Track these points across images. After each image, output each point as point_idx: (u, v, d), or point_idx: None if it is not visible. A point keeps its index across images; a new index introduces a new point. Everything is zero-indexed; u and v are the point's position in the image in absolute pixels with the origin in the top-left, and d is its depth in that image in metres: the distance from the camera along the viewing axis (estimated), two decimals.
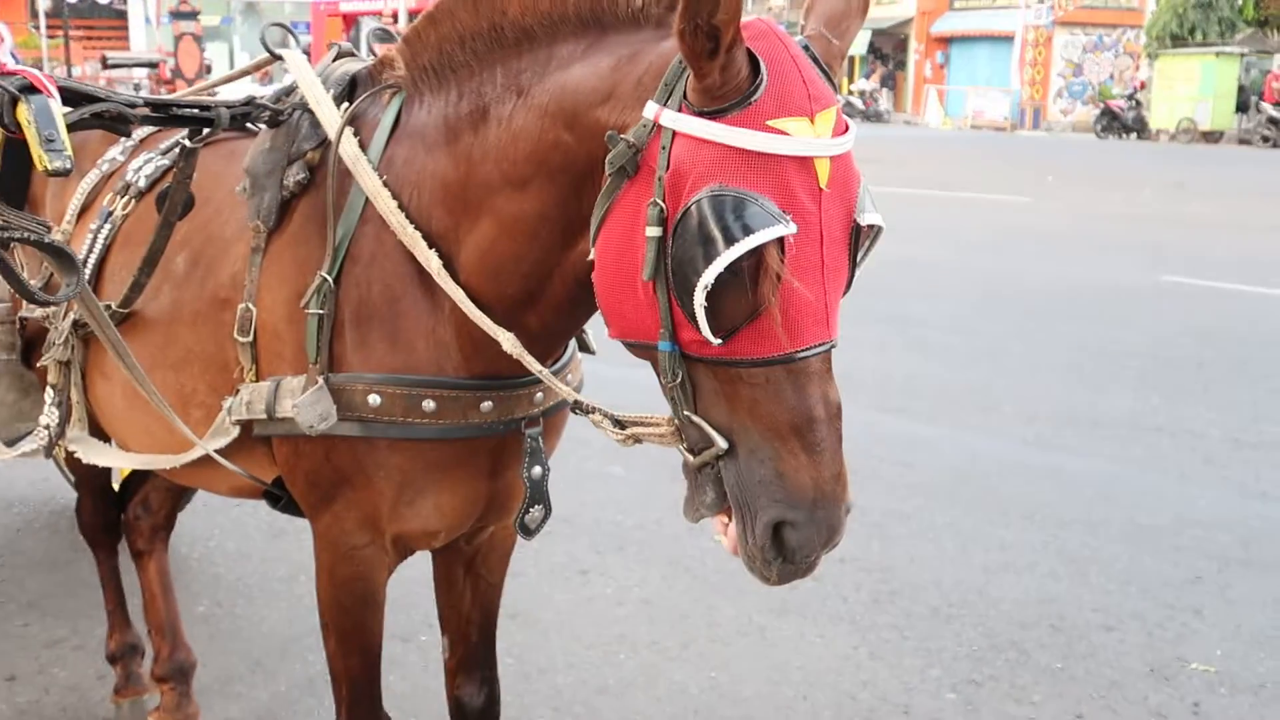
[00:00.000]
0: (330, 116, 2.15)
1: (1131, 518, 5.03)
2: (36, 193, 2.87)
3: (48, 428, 2.65)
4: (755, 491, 1.70)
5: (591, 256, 1.83)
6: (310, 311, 2.09)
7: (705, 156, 1.64)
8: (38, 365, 2.71)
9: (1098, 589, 4.35)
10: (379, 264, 2.09)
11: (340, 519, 2.20)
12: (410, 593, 3.61)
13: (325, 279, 2.08)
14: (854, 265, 1.76)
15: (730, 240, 1.60)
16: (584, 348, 2.41)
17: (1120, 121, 33.84)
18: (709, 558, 4.49)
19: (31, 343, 2.85)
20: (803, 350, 1.67)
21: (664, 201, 1.67)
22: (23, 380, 2.96)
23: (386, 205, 2.05)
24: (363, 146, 2.12)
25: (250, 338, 2.19)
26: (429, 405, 2.06)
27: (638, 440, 1.90)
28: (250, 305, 2.18)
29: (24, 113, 1.78)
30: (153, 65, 13.50)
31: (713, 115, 1.65)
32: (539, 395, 2.16)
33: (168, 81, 22.57)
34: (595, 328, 2.47)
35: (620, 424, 1.91)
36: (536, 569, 4.38)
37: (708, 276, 1.61)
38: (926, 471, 5.55)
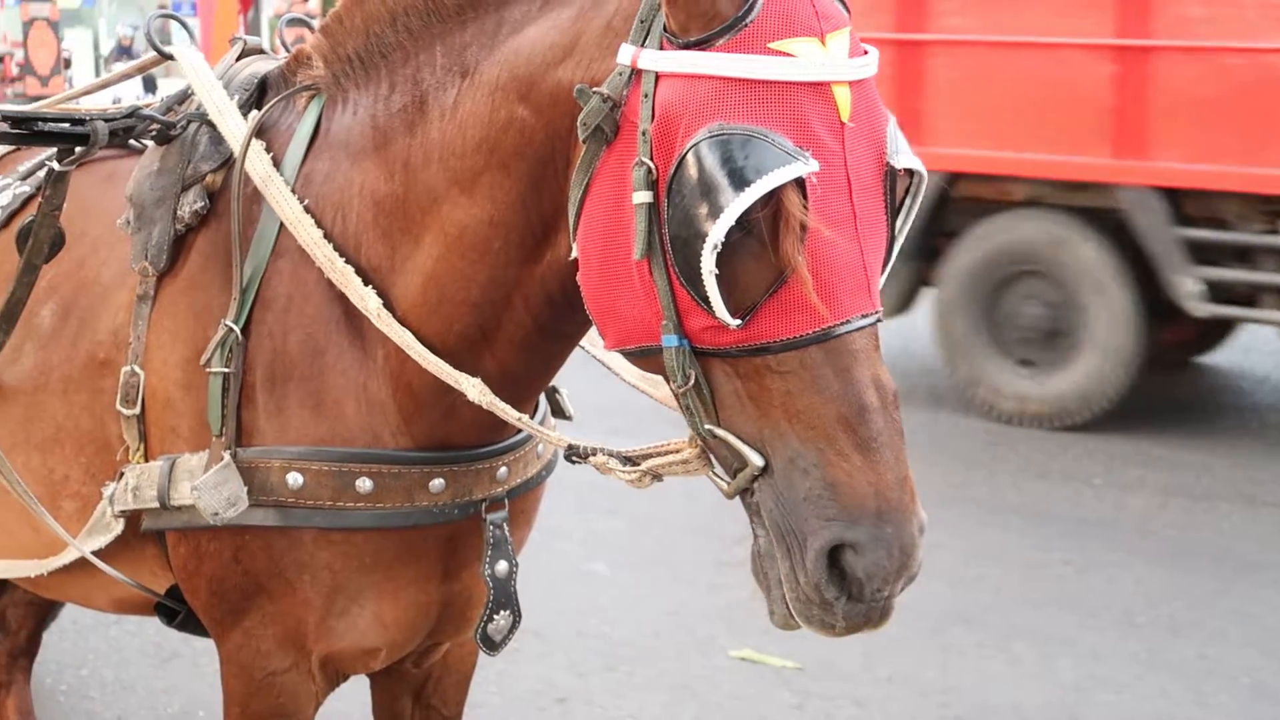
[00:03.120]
0: (235, 128, 2.21)
1: (1263, 618, 5.08)
2: None
3: None
4: (801, 512, 1.71)
5: (573, 255, 1.87)
6: (213, 371, 2.13)
7: (698, 95, 1.69)
8: None
9: (1219, 710, 4.38)
10: (297, 308, 2.15)
11: (254, 637, 2.23)
12: None
13: (231, 329, 2.12)
14: (893, 221, 1.80)
15: (739, 186, 1.63)
16: (558, 412, 2.46)
17: None
18: (721, 679, 4.52)
19: None
20: (842, 324, 1.70)
21: (651, 160, 1.72)
22: None
23: (309, 235, 2.10)
24: (275, 163, 2.18)
25: (137, 409, 2.23)
26: (365, 485, 2.11)
27: (657, 478, 1.93)
28: (136, 368, 2.23)
29: None
30: None
31: (702, 44, 1.71)
32: (502, 471, 2.21)
33: (14, 79, 22.71)
34: (573, 386, 2.53)
35: (631, 460, 1.94)
36: (502, 696, 4.40)
37: (716, 234, 1.64)
38: (992, 566, 5.58)
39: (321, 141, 2.19)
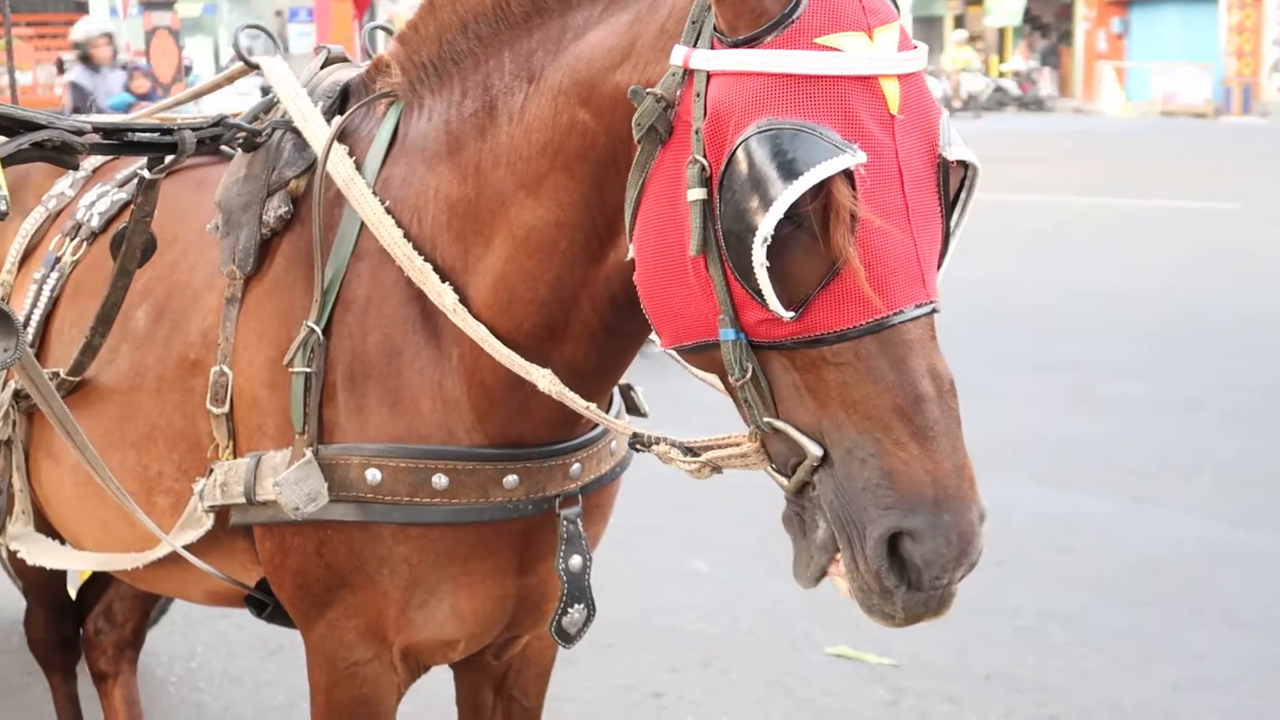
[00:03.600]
0: (318, 135, 2.28)
1: None
2: None
3: None
4: (860, 501, 1.73)
5: (630, 255, 1.92)
6: (295, 370, 2.20)
7: (747, 92, 1.73)
8: None
9: None
10: (376, 309, 2.21)
11: (337, 629, 2.30)
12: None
13: (313, 330, 2.19)
14: (948, 214, 1.82)
15: (788, 178, 1.66)
16: (633, 409, 2.50)
17: None
18: (816, 675, 4.54)
19: None
20: (896, 314, 1.72)
21: (705, 157, 1.76)
22: None
23: (390, 235, 2.17)
24: (356, 167, 2.25)
25: (226, 408, 2.31)
26: (440, 481, 2.17)
27: (716, 470, 1.96)
28: (224, 368, 2.30)
29: None
30: (121, 68, 13.69)
31: (750, 42, 1.75)
32: (575, 467, 2.26)
33: (144, 95, 23.15)
34: (645, 383, 2.57)
35: (691, 451, 1.98)
36: (595, 692, 4.46)
37: (765, 227, 1.67)
38: (1095, 560, 5.54)
39: (399, 147, 2.25)
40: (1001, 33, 44.52)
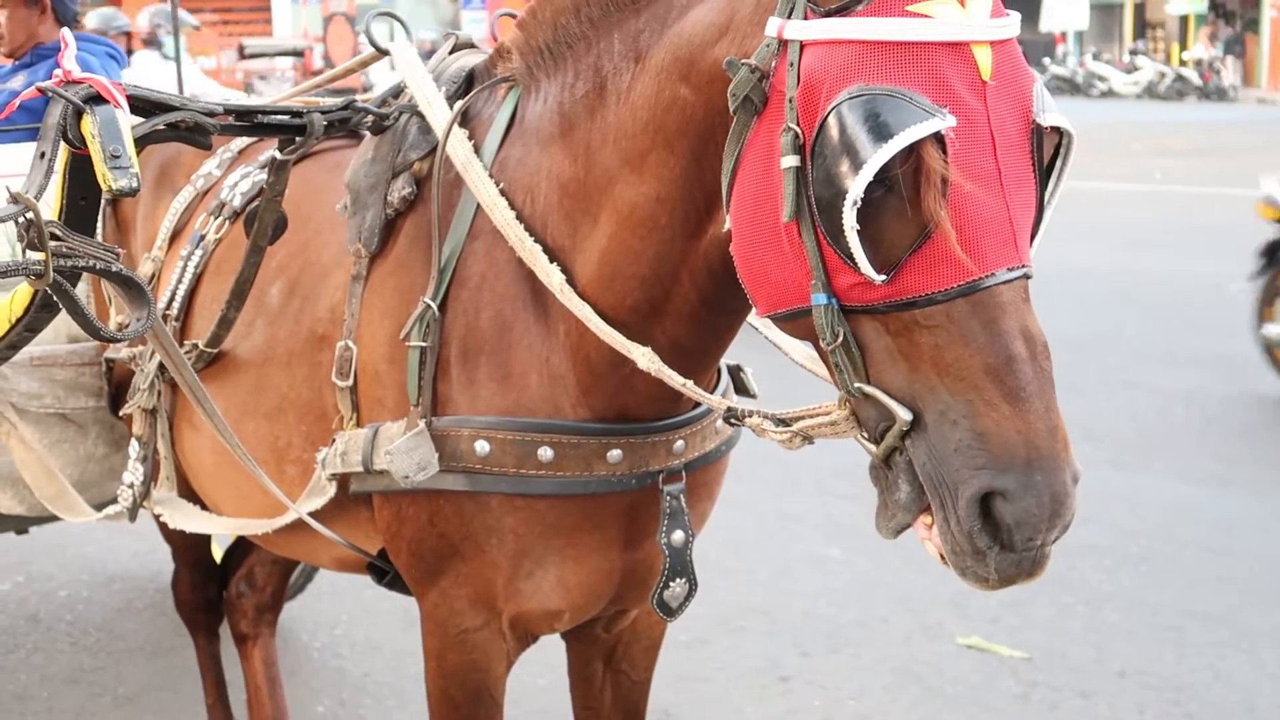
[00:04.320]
0: (441, 119, 2.36)
1: None
2: (127, 214, 3.19)
3: (131, 486, 2.94)
4: (952, 463, 1.74)
5: (727, 227, 1.95)
6: (412, 345, 2.29)
7: (839, 59, 1.75)
8: (121, 413, 3.00)
9: None
10: (489, 286, 2.29)
11: (449, 596, 2.39)
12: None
13: (429, 306, 2.28)
14: (1043, 181, 1.83)
15: (878, 142, 1.68)
16: (742, 389, 2.54)
17: None
18: (947, 665, 4.53)
19: (122, 388, 3.15)
20: (988, 277, 1.73)
21: (798, 125, 1.78)
22: (113, 432, 3.28)
23: (503, 216, 2.24)
24: (475, 150, 2.32)
25: (350, 381, 2.40)
26: (545, 454, 2.23)
27: (808, 440, 1.99)
28: (350, 343, 2.40)
29: (88, 126, 2.03)
30: (297, 54, 14.00)
31: (842, 11, 1.77)
32: (679, 444, 2.31)
33: (315, 72, 23.70)
34: (753, 362, 2.61)
35: (783, 422, 2.01)
36: (726, 673, 4.51)
37: (855, 190, 1.69)
38: (1244, 560, 5.43)
39: (516, 129, 2.32)
40: (1184, 20, 43.37)
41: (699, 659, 4.56)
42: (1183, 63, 39.41)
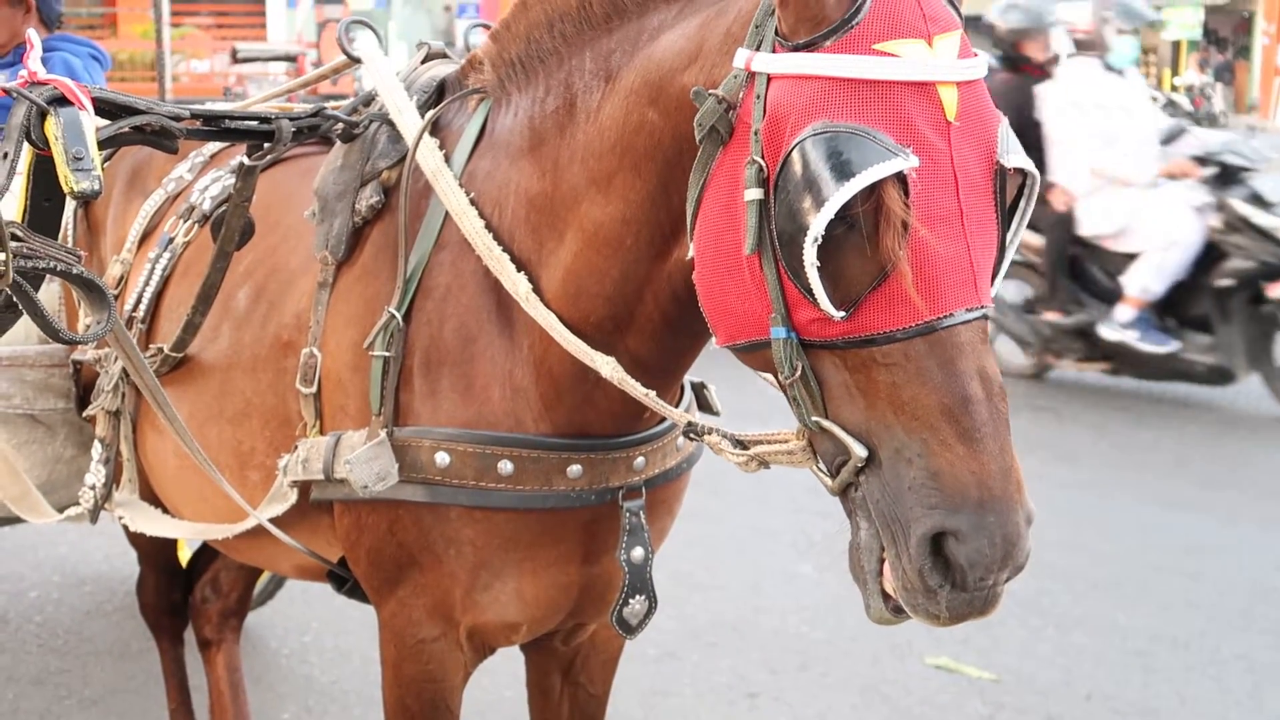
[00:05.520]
0: (411, 127, 2.36)
1: None
2: (98, 216, 3.19)
3: (93, 488, 2.93)
4: (906, 501, 1.75)
5: (690, 254, 1.96)
6: (375, 354, 2.28)
7: (805, 94, 1.76)
8: (85, 414, 2.99)
9: None
10: (454, 298, 2.29)
11: (407, 606, 2.38)
12: None
13: (393, 315, 2.27)
14: (1005, 221, 1.83)
15: (840, 180, 1.68)
16: (705, 407, 2.54)
17: None
18: (915, 685, 4.52)
19: (89, 390, 3.13)
20: (946, 317, 1.74)
21: (762, 158, 1.79)
22: (82, 433, 3.27)
23: (472, 225, 2.24)
24: (445, 160, 2.32)
25: (314, 388, 2.40)
26: (506, 467, 2.23)
27: (764, 464, 2.00)
28: (315, 350, 2.39)
29: (52, 128, 2.03)
30: (290, 59, 14.09)
31: (809, 46, 1.78)
32: (639, 460, 2.31)
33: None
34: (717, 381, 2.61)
35: (741, 444, 2.02)
36: (694, 688, 4.49)
37: (817, 227, 1.70)
38: (1214, 586, 5.43)
39: (486, 142, 2.32)
40: (1176, 46, 43.50)
41: (668, 674, 4.55)
42: (1174, 88, 39.51)
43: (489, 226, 2.25)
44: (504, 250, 2.22)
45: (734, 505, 5.92)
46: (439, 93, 2.46)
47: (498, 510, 2.26)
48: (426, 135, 2.33)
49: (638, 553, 2.32)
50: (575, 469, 2.25)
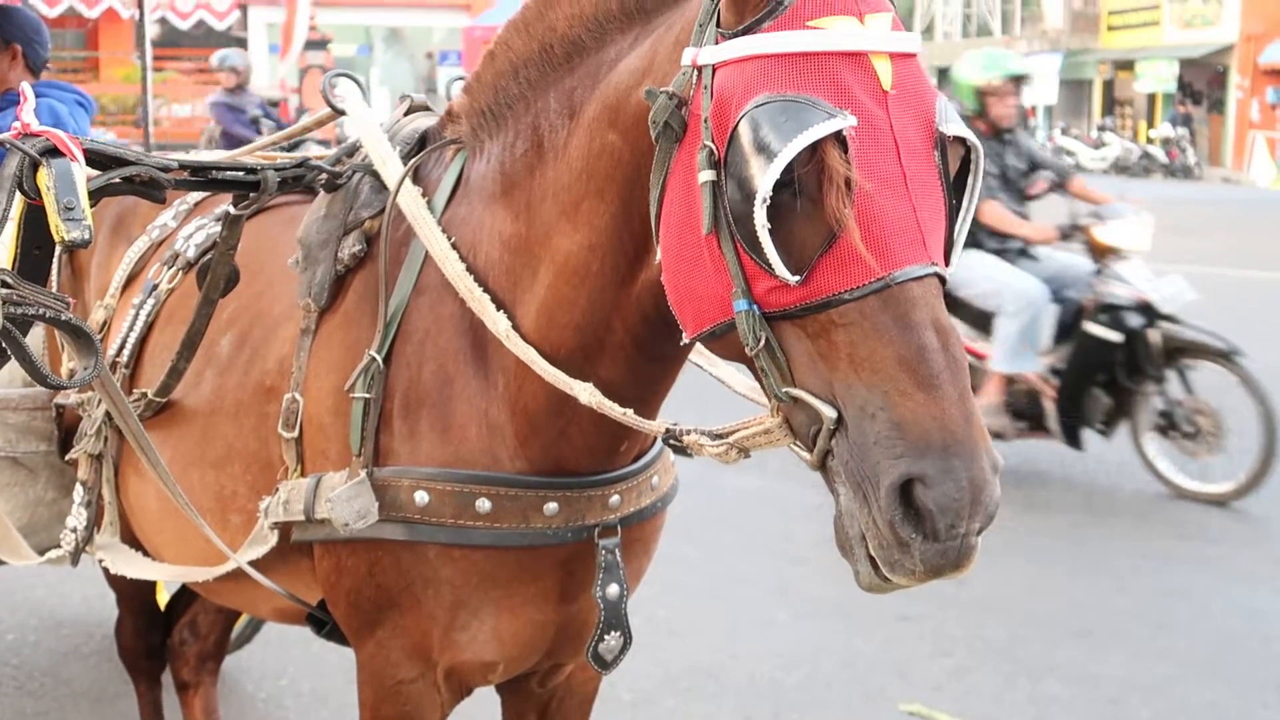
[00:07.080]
0: (395, 177, 2.42)
1: None
2: (82, 262, 3.24)
3: (74, 530, 2.97)
4: (872, 455, 1.77)
5: (658, 259, 2.02)
6: (355, 396, 2.34)
7: (746, 75, 1.84)
8: (67, 458, 3.03)
9: None
10: (432, 340, 2.34)
11: (385, 647, 2.42)
12: None
13: (374, 359, 2.33)
14: (950, 188, 1.89)
15: (782, 141, 1.76)
16: (681, 451, 2.58)
17: None
18: None
19: (71, 433, 3.17)
20: (898, 273, 1.79)
21: (713, 141, 1.86)
22: (64, 476, 3.30)
23: (454, 269, 2.30)
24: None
25: (296, 433, 2.44)
26: (483, 505, 2.28)
27: (744, 453, 2.04)
28: (297, 395, 2.44)
29: (44, 179, 2.08)
30: (273, 104, 14.05)
31: (747, 31, 1.86)
32: (615, 499, 2.36)
33: (290, 123, 23.77)
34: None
35: (719, 436, 2.06)
36: None
37: (764, 187, 1.77)
38: (1185, 635, 5.49)
39: (462, 190, 2.39)
40: (1151, 99, 43.96)
41: (642, 718, 4.58)
42: (1149, 140, 39.89)
43: (469, 269, 2.31)
44: (484, 291, 2.28)
45: (710, 552, 5.97)
46: (420, 144, 2.52)
47: (476, 548, 2.31)
48: (409, 182, 2.39)
49: (613, 589, 2.36)
50: (552, 506, 2.30)
